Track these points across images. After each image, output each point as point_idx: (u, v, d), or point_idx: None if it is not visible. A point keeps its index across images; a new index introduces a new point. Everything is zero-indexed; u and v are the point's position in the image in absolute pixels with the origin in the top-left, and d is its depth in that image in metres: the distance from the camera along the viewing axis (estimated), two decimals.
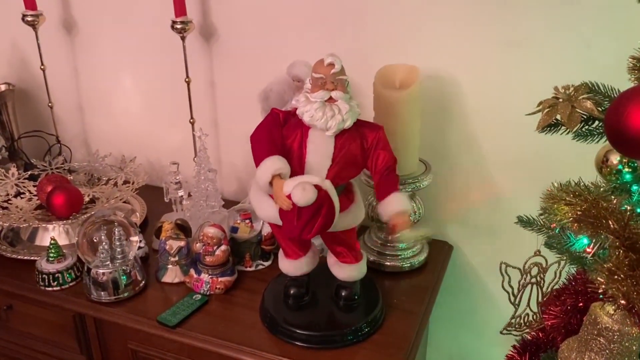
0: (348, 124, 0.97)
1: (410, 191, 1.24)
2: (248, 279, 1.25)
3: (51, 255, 1.22)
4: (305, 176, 0.96)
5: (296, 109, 0.99)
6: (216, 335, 1.08)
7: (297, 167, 0.98)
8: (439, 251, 1.37)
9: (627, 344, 0.73)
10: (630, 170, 0.83)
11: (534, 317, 1.12)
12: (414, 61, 1.21)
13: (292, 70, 1.21)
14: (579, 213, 0.72)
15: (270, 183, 0.95)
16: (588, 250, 0.83)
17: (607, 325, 0.73)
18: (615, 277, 0.67)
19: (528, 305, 1.11)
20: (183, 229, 1.26)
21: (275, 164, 0.95)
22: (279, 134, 0.99)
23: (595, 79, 0.83)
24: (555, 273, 1.05)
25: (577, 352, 0.78)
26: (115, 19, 1.55)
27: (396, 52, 1.28)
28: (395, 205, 0.98)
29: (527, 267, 1.06)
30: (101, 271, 1.16)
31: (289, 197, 0.93)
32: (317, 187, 0.93)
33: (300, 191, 0.92)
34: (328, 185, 0.95)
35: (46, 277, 1.21)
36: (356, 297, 1.12)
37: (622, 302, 0.67)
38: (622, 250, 0.69)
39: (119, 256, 1.18)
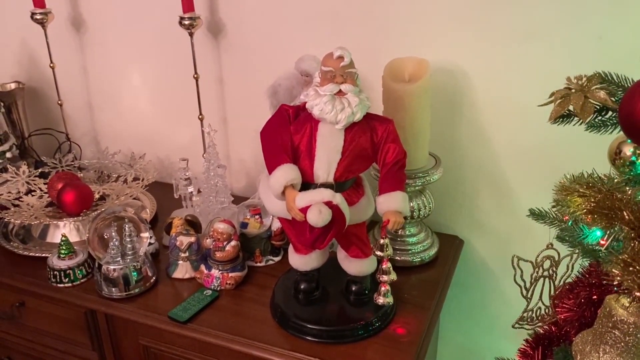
0: (358, 117, 0.96)
1: (421, 185, 1.23)
2: (258, 274, 1.25)
3: (62, 252, 1.23)
4: (317, 192, 0.95)
5: (306, 103, 0.99)
6: (227, 331, 1.09)
7: (307, 161, 0.98)
8: (450, 245, 1.37)
9: None
10: None
11: (547, 310, 1.11)
12: (423, 54, 1.20)
13: (301, 65, 1.21)
14: (592, 205, 0.71)
15: (283, 192, 0.96)
16: (602, 242, 0.82)
17: (622, 317, 0.72)
18: (631, 268, 0.66)
19: (540, 298, 1.10)
20: (193, 224, 1.27)
21: (287, 174, 0.95)
22: (288, 134, 0.98)
23: (607, 70, 0.82)
24: (568, 266, 1.04)
25: (591, 344, 0.77)
26: (123, 15, 1.55)
27: (405, 45, 1.27)
28: (395, 203, 0.98)
29: (539, 261, 1.05)
30: (112, 267, 1.16)
31: (302, 210, 0.93)
32: (328, 203, 0.93)
33: (317, 214, 0.92)
34: (339, 200, 0.94)
35: (58, 273, 1.21)
36: (367, 291, 1.12)
37: (638, 294, 0.66)
38: (638, 242, 0.68)
39: (130, 252, 1.18)
